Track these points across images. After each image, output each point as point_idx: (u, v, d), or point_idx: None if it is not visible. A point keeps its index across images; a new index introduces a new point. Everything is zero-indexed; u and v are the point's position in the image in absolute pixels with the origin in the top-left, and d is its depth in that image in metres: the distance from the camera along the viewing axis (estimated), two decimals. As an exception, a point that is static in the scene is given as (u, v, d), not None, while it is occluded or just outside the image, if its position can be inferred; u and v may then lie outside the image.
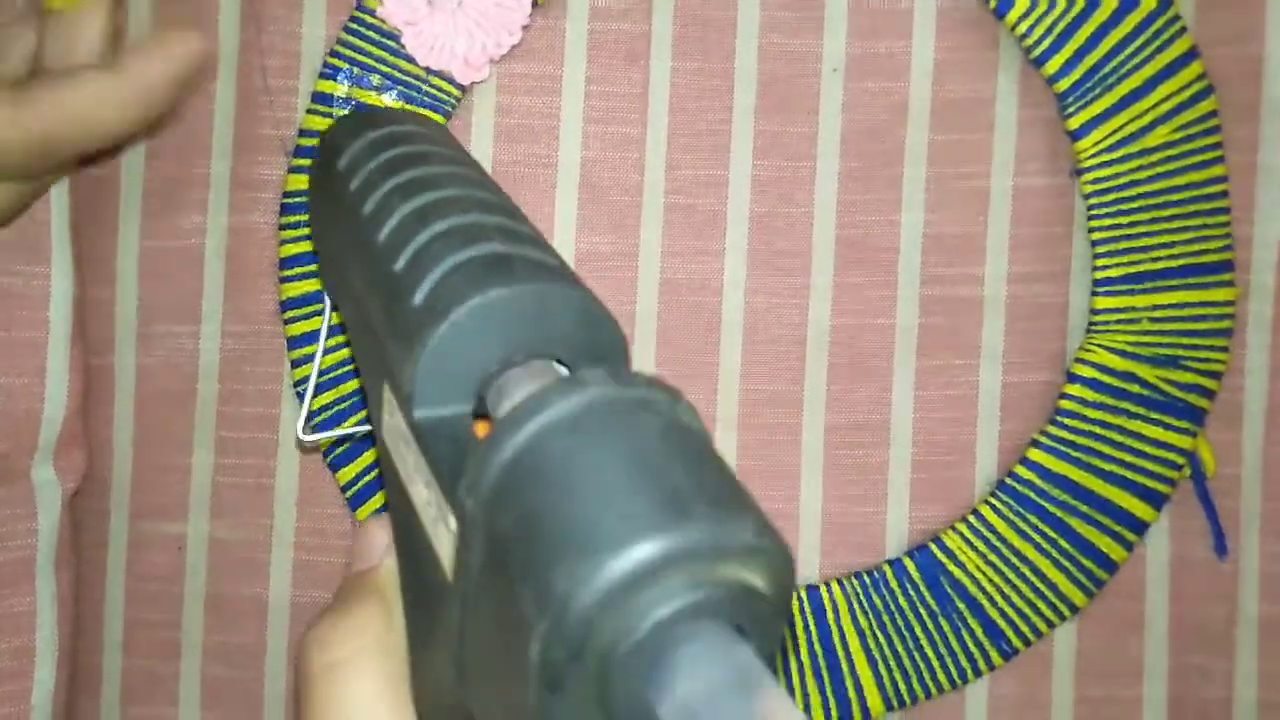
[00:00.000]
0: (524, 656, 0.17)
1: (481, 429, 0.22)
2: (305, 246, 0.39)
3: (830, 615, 0.38)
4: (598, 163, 0.39)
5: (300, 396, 0.39)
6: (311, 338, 0.39)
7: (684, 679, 0.16)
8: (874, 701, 0.38)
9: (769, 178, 0.39)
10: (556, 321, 0.22)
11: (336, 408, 0.39)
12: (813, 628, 0.38)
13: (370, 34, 0.38)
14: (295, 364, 0.39)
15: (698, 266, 0.40)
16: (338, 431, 0.37)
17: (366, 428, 0.35)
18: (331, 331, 0.39)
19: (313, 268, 0.39)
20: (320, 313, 0.39)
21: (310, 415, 0.38)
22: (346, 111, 0.38)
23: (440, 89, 0.38)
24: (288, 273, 0.39)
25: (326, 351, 0.38)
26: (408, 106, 0.38)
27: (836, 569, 0.39)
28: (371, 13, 0.38)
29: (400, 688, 0.22)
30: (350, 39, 0.38)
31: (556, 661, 0.16)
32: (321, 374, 0.39)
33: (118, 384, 0.40)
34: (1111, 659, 0.40)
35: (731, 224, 0.40)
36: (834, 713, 0.38)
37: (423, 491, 0.21)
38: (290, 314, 0.39)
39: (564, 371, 0.22)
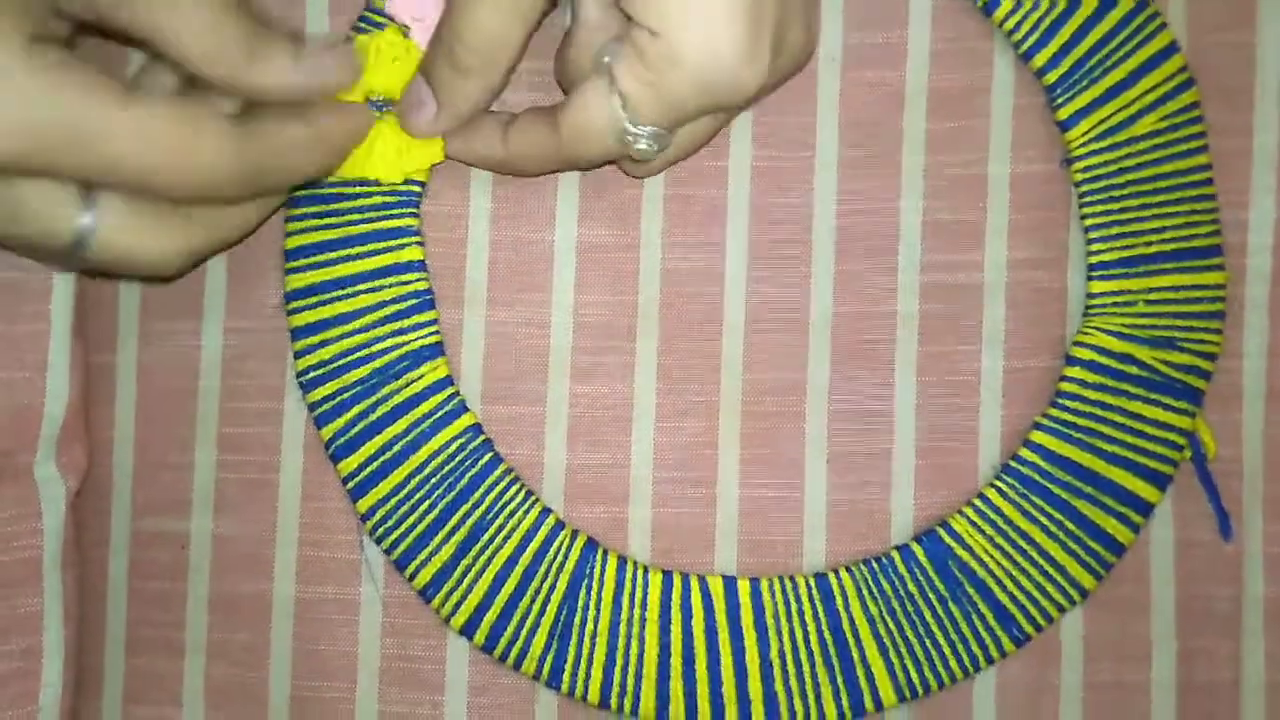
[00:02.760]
0: None
1: None
2: (311, 238, 0.39)
3: (840, 602, 0.38)
4: (598, 155, 0.40)
5: (304, 388, 0.39)
6: (315, 328, 0.39)
7: None
8: (886, 691, 0.38)
9: (768, 167, 0.40)
10: None
11: (339, 398, 0.39)
12: (822, 615, 0.38)
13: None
14: (299, 354, 0.39)
15: (699, 256, 0.40)
16: None
17: None
18: (343, 313, 0.39)
19: (318, 258, 0.39)
20: (326, 302, 0.39)
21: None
22: None
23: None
24: (293, 264, 0.39)
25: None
26: None
27: (842, 557, 0.39)
28: (380, 11, 0.39)
29: None
30: (364, 28, 0.39)
31: None
32: (323, 364, 0.39)
33: (119, 381, 0.40)
34: (1119, 643, 0.39)
35: (731, 214, 0.40)
36: (845, 702, 0.38)
37: None
38: (294, 305, 0.39)
39: None
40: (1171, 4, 0.40)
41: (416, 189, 0.39)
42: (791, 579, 0.38)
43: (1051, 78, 0.39)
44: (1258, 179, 0.40)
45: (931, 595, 0.38)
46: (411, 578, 0.39)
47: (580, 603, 0.38)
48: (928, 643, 0.38)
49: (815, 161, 0.40)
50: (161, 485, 0.40)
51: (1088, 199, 0.39)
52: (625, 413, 0.39)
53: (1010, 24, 0.39)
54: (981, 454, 0.39)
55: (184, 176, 0.31)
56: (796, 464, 0.39)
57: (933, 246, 0.40)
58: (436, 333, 0.39)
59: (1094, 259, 0.39)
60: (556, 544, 0.38)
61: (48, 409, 0.37)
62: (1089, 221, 0.39)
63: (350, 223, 0.39)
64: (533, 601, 0.38)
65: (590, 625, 0.38)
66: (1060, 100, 0.39)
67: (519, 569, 0.38)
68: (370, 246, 0.39)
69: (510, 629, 0.38)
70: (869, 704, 0.38)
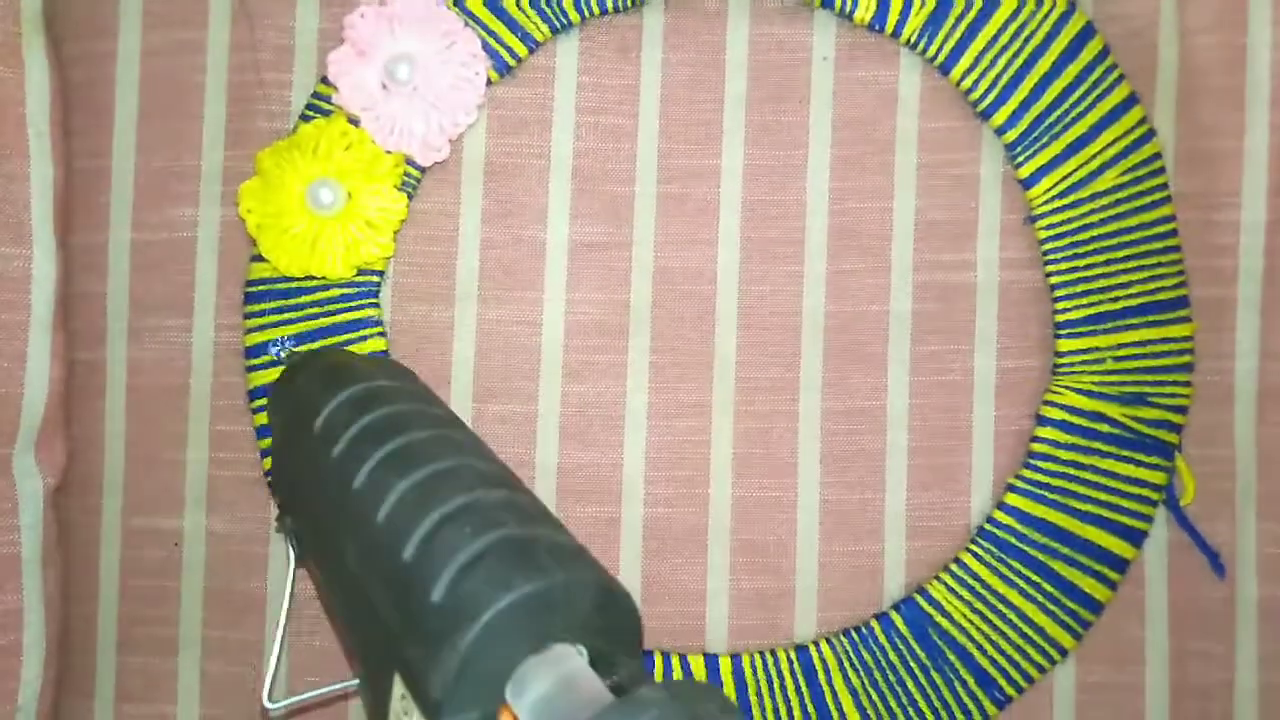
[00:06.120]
0: None
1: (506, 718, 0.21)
2: (269, 335, 0.39)
3: (821, 675, 0.38)
4: (591, 153, 0.40)
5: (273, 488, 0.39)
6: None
7: None
8: None
9: (761, 166, 0.40)
10: (578, 607, 0.22)
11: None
12: (804, 689, 0.38)
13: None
14: (267, 453, 0.39)
15: (691, 255, 0.40)
16: (307, 695, 0.34)
17: (340, 685, 0.32)
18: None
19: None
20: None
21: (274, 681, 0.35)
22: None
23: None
24: (253, 362, 0.39)
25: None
26: None
27: (834, 557, 0.39)
28: (329, 100, 0.38)
29: None
30: (312, 115, 0.39)
31: None
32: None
33: (109, 378, 0.40)
34: (1113, 644, 0.39)
35: (724, 213, 0.40)
36: None
37: None
38: (257, 404, 0.39)
39: (580, 652, 0.22)
40: (1165, 1, 0.40)
41: (375, 279, 0.38)
42: (773, 653, 0.38)
43: (1011, 136, 0.38)
44: (1248, 179, 0.40)
45: (913, 663, 0.38)
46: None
47: None
48: (910, 711, 0.38)
49: (808, 160, 0.40)
50: (153, 482, 0.40)
51: (1051, 257, 0.39)
52: (617, 411, 0.39)
53: (967, 83, 0.38)
54: (974, 454, 0.39)
55: None
56: (789, 463, 0.39)
57: (925, 245, 0.40)
58: None
59: (1060, 317, 0.39)
60: None
61: (26, 399, 0.37)
62: (1054, 279, 0.38)
63: (309, 317, 0.38)
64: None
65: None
66: (1021, 159, 0.38)
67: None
68: (330, 341, 0.38)
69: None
70: None
